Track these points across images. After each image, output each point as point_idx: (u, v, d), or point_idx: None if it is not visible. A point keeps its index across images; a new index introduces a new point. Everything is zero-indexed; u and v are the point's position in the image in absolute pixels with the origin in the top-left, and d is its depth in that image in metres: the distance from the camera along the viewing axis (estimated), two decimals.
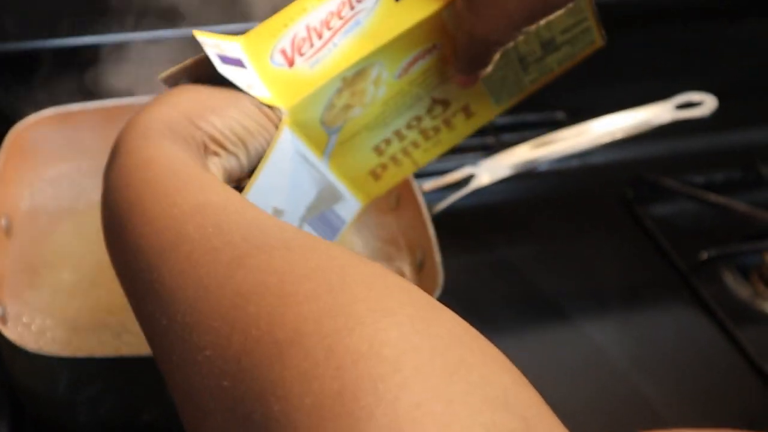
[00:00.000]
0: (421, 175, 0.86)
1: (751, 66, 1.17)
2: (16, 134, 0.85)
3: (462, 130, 0.65)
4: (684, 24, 1.14)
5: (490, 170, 0.84)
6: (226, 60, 0.58)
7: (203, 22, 0.97)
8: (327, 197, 0.64)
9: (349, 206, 0.65)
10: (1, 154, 0.82)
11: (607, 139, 0.84)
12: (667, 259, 0.99)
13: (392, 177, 0.66)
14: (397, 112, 0.62)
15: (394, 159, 0.64)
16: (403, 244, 0.84)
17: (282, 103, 0.59)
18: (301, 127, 0.60)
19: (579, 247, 1.01)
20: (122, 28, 0.93)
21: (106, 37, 0.93)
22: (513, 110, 1.10)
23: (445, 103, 0.63)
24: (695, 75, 1.12)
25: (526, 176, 1.06)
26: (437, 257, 0.76)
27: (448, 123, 0.64)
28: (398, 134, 0.63)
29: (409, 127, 0.63)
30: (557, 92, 1.12)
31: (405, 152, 0.64)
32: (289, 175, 0.61)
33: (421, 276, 0.80)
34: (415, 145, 0.64)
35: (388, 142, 0.63)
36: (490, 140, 1.08)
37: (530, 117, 1.12)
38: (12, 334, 0.69)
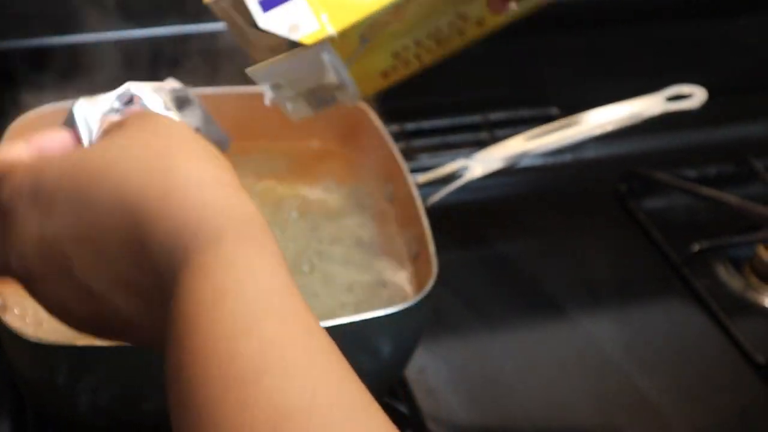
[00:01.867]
0: (415, 168, 0.87)
1: (743, 61, 1.19)
2: (14, 131, 0.85)
3: (471, 37, 0.68)
4: (677, 20, 1.15)
5: (483, 162, 0.85)
6: (268, 2, 0.61)
7: None
8: (331, 86, 0.67)
9: (349, 94, 0.68)
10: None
11: (598, 131, 0.85)
12: (660, 252, 1.00)
13: (398, 75, 0.69)
14: (423, 24, 0.65)
15: (405, 61, 0.67)
16: (399, 236, 0.85)
17: (333, 25, 0.62)
18: (341, 39, 0.63)
19: (572, 241, 1.02)
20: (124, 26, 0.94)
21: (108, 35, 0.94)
22: (507, 106, 1.13)
23: (465, 16, 0.66)
24: (688, 70, 1.12)
25: (520, 171, 1.06)
26: (431, 248, 0.77)
27: (461, 32, 0.67)
28: (417, 42, 0.66)
29: (428, 36, 0.66)
30: (551, 88, 1.15)
31: (417, 55, 0.67)
32: (304, 67, 0.64)
33: (417, 267, 0.81)
34: (428, 50, 0.67)
35: (406, 48, 0.66)
36: (483, 135, 1.09)
37: (524, 113, 1.13)
38: (12, 323, 0.70)
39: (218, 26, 0.97)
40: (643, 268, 1.00)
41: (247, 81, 0.95)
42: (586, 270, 0.99)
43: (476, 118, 1.11)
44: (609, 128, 0.84)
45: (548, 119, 1.13)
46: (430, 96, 1.09)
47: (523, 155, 0.84)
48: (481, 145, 1.09)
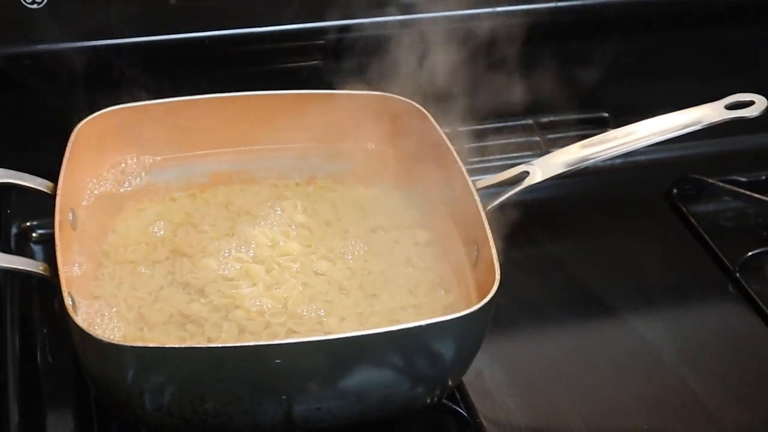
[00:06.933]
0: (475, 172, 0.87)
1: None
2: (80, 131, 0.87)
3: None
4: (728, 24, 1.15)
5: (544, 168, 0.85)
6: None
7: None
8: None
9: None
10: (67, 151, 0.84)
11: (657, 139, 0.85)
12: (712, 257, 1.00)
13: None
14: None
15: None
16: (458, 239, 0.86)
17: None
18: None
19: (624, 244, 1.03)
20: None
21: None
22: (556, 109, 1.13)
23: None
24: (739, 75, 1.13)
25: (572, 174, 1.07)
26: (494, 253, 0.78)
27: None
28: None
29: None
30: (600, 92, 1.15)
31: None
32: None
33: (477, 270, 0.82)
34: None
35: None
36: (535, 138, 1.10)
37: (573, 116, 1.13)
38: (83, 323, 0.71)
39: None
40: (695, 273, 1.00)
41: (303, 84, 0.97)
42: (638, 273, 0.99)
43: (526, 121, 1.12)
44: (668, 135, 0.85)
45: (598, 122, 1.14)
46: (480, 99, 1.09)
47: (584, 161, 0.85)
48: (533, 147, 1.10)
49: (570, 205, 1.07)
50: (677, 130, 0.85)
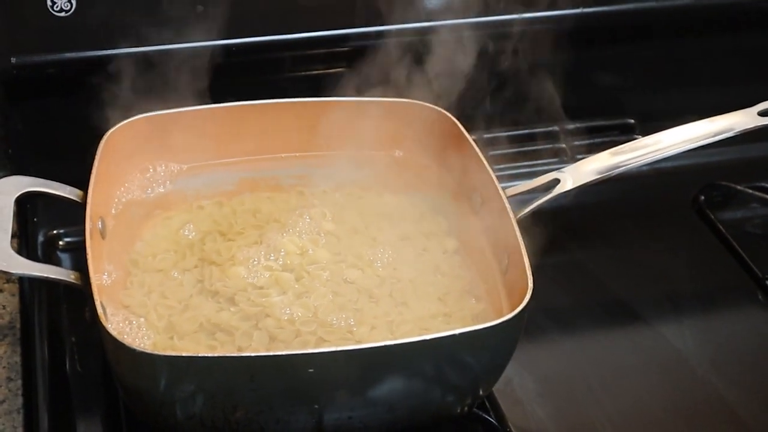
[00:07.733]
0: (504, 179, 0.87)
1: None
2: (108, 140, 0.87)
3: None
4: (755, 30, 1.15)
5: (575, 175, 0.85)
6: None
7: None
8: None
9: None
10: (96, 159, 0.84)
11: (688, 146, 0.85)
12: (741, 264, 0.99)
13: None
14: None
15: None
16: (488, 246, 0.85)
17: None
18: None
19: (652, 252, 1.02)
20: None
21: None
22: (583, 116, 1.13)
23: None
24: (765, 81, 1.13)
25: (600, 181, 1.07)
26: (526, 261, 0.77)
27: None
28: None
29: None
30: (627, 98, 1.15)
31: None
32: None
33: (507, 279, 0.82)
34: None
35: None
36: (561, 144, 1.10)
37: (600, 123, 1.13)
38: (115, 331, 0.71)
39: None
40: (724, 280, 0.99)
41: (329, 91, 0.97)
42: (667, 281, 0.99)
43: (552, 128, 1.11)
44: (701, 143, 0.84)
45: (624, 129, 1.14)
46: (505, 105, 1.09)
47: (615, 169, 0.85)
48: (559, 154, 1.10)
49: (595, 211, 1.07)
50: (709, 137, 0.85)
